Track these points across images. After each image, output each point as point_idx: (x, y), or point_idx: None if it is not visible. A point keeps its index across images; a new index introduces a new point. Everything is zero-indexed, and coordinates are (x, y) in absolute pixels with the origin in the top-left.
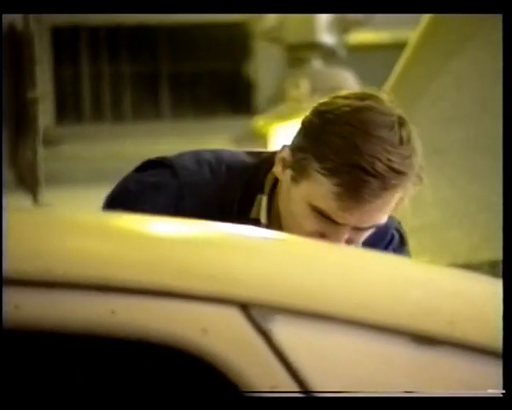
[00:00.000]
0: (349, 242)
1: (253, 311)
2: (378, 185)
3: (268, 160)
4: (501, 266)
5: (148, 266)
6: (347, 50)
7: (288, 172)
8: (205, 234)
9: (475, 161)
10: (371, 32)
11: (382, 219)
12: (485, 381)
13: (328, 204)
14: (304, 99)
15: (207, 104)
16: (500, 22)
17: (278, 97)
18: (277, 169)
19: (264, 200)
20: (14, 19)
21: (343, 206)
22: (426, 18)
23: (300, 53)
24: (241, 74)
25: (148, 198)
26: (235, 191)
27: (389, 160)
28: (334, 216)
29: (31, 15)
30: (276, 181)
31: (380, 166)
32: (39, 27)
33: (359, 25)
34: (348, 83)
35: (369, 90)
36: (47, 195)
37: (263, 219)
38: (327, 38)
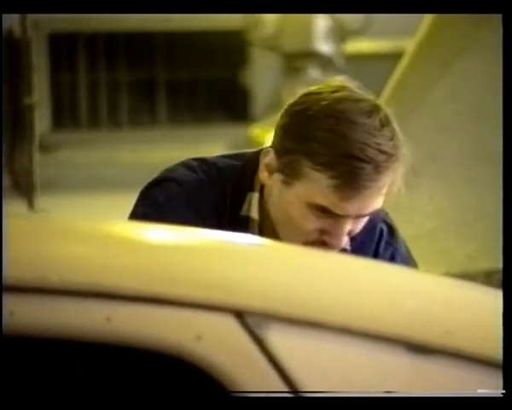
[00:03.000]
0: (350, 233)
1: (248, 318)
2: (372, 170)
3: (252, 159)
4: (496, 275)
5: (144, 274)
6: (344, 59)
7: (277, 177)
8: (200, 241)
9: (472, 170)
10: (369, 40)
11: (379, 203)
12: (482, 390)
13: (328, 198)
14: None
15: (204, 111)
16: (497, 30)
17: (275, 105)
18: (263, 175)
19: (254, 197)
20: (12, 25)
21: (343, 196)
22: (423, 28)
23: (297, 62)
24: (238, 82)
25: (167, 213)
26: (226, 190)
27: (377, 143)
28: (334, 209)
29: (27, 21)
30: None
31: (371, 152)
32: (37, 34)
33: (357, 34)
34: None
35: (336, 81)
36: (43, 201)
37: (255, 215)
38: (324, 46)
